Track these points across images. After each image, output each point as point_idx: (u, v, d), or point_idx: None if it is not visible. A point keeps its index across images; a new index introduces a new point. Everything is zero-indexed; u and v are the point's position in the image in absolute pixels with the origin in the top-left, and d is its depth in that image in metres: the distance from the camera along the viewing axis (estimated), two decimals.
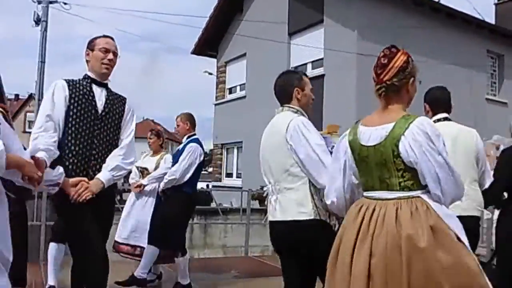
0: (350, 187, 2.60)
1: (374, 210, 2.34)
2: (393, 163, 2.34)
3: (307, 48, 14.34)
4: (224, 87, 19.90)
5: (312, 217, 2.88)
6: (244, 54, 18.06)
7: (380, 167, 2.38)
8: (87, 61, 3.39)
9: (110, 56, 3.34)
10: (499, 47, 17.14)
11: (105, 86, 3.40)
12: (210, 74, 23.71)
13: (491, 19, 19.45)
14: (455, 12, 15.17)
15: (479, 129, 13.36)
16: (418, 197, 2.32)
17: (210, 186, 19.89)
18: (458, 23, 15.33)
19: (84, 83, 3.33)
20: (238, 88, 19.04)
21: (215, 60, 20.54)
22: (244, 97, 18.04)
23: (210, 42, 19.67)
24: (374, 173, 2.40)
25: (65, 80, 3.28)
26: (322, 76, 13.83)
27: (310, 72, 14.68)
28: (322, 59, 14.11)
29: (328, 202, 2.69)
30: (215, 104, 20.20)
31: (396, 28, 13.39)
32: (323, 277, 2.62)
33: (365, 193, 2.48)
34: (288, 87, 3.17)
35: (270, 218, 3.11)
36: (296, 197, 2.93)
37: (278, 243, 3.13)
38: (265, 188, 3.20)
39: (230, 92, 19.72)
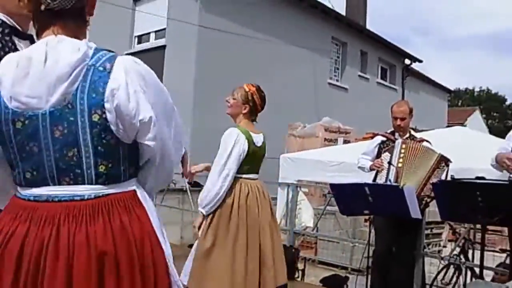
0: None
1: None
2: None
3: (152, 17, 13.36)
4: None
5: None
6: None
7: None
8: None
9: None
10: (344, 36, 17.67)
11: (30, 38, 2.01)
12: None
13: (343, 9, 19.96)
14: None
15: (321, 112, 13.39)
16: None
17: None
18: (306, 7, 15.37)
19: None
20: None
21: None
22: None
23: None
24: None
25: None
26: (164, 46, 12.98)
27: (153, 42, 13.78)
28: (165, 29, 13.22)
29: None
30: None
31: (242, 4, 12.95)
32: None
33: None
34: None
35: None
36: None
37: None
38: None
39: None
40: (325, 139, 10.06)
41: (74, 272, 1.46)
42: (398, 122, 4.59)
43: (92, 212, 1.53)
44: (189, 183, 8.12)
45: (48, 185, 1.54)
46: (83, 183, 1.55)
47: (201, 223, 3.44)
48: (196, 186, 8.20)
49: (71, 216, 1.50)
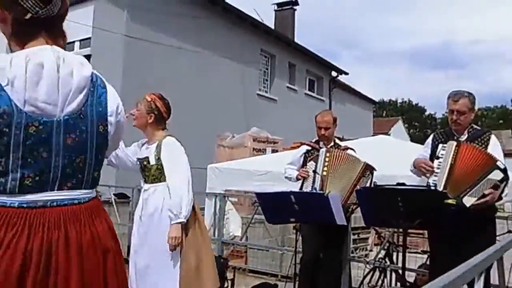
0: None
1: None
2: None
3: (77, 26, 12.92)
4: None
5: None
6: None
7: None
8: None
9: None
10: (273, 48, 17.88)
11: None
12: None
13: (272, 23, 20.30)
14: (231, 7, 15.20)
15: (250, 122, 13.37)
16: None
17: None
18: (235, 19, 15.43)
19: None
20: None
21: None
22: None
23: None
24: None
25: None
26: (89, 56, 12.58)
27: (78, 51, 13.32)
28: (90, 38, 12.84)
29: None
30: None
31: (171, 15, 12.80)
32: None
33: None
34: None
35: None
36: None
37: None
38: None
39: None
40: (254, 149, 10.08)
41: (85, 268, 1.60)
42: (322, 131, 4.65)
43: (89, 214, 1.68)
44: (115, 194, 7.88)
45: (47, 190, 1.60)
46: (80, 188, 1.68)
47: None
48: (123, 198, 7.97)
49: (75, 218, 1.62)
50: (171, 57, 12.88)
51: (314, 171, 4.40)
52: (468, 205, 3.63)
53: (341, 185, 4.37)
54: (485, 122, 48.09)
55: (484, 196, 3.64)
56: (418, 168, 3.98)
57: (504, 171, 3.68)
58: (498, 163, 3.69)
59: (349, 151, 4.64)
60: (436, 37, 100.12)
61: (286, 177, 4.78)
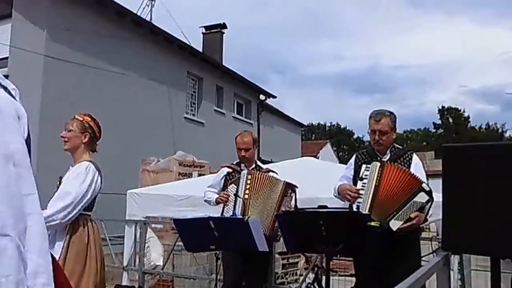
0: None
1: None
2: None
3: None
4: None
5: None
6: None
7: None
8: None
9: None
10: (200, 71, 17.74)
11: None
12: None
13: (200, 46, 20.19)
14: (158, 29, 15.00)
15: (177, 146, 13.01)
16: None
17: None
18: (161, 41, 15.18)
19: None
20: None
21: None
22: None
23: None
24: None
25: None
26: (6, 76, 11.82)
27: None
28: (7, 58, 12.14)
29: None
30: None
31: (94, 35, 12.36)
32: None
33: None
34: None
35: None
36: None
37: None
38: None
39: None
40: (180, 174, 9.91)
41: None
42: (243, 153, 4.52)
43: None
44: None
45: None
46: None
47: None
48: None
49: None
50: (95, 79, 12.43)
51: (236, 195, 4.25)
52: (394, 229, 3.58)
53: (265, 209, 4.24)
54: (410, 144, 50.02)
55: (410, 219, 3.61)
56: (343, 195, 3.90)
57: (429, 193, 3.66)
58: (423, 185, 3.67)
59: (270, 174, 4.52)
60: (362, 62, 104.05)
61: (205, 201, 4.62)
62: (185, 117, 16.75)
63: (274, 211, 4.22)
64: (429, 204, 3.68)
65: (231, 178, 4.49)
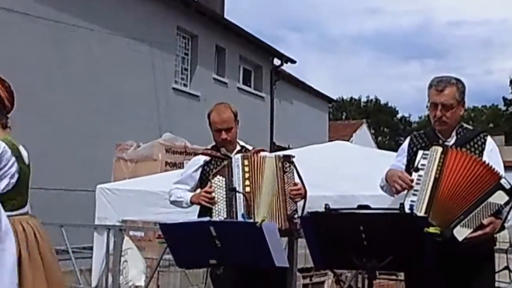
0: None
1: None
2: None
3: None
4: None
5: None
6: None
7: None
8: None
9: None
10: (194, 26, 17.84)
11: None
12: None
13: None
14: None
15: (163, 127, 13.13)
16: None
17: None
18: None
19: None
20: None
21: None
22: None
23: None
24: None
25: None
26: None
27: None
28: None
29: None
30: None
31: None
32: None
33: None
34: None
35: None
36: None
37: None
38: None
39: None
40: (167, 163, 9.93)
41: None
42: (223, 135, 4.46)
43: None
44: None
45: None
46: None
47: None
48: None
49: None
50: (53, 35, 12.48)
51: (233, 189, 4.22)
52: (460, 238, 3.54)
53: (271, 199, 4.27)
54: (472, 126, 50.01)
55: (482, 226, 3.56)
56: (391, 184, 3.87)
57: (510, 192, 3.60)
58: (502, 181, 3.61)
59: (262, 154, 4.56)
60: (409, 18, 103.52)
61: (173, 202, 4.64)
62: (174, 88, 16.81)
63: (280, 197, 4.25)
64: (508, 206, 3.63)
65: (211, 169, 4.45)
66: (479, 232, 3.55)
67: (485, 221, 3.55)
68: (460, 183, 3.64)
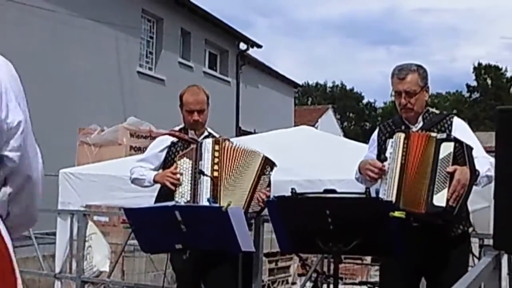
0: None
1: None
2: None
3: None
4: None
5: None
6: None
7: None
8: None
9: None
10: (159, 9, 17.78)
11: None
12: None
13: None
14: None
15: (127, 111, 13.02)
16: None
17: None
18: None
19: None
20: None
21: None
22: None
23: None
24: None
25: None
26: None
27: None
28: None
29: None
30: None
31: None
32: None
33: None
34: None
35: None
36: None
37: None
38: None
39: None
40: (131, 148, 9.82)
41: None
42: (195, 116, 4.44)
43: None
44: None
45: None
46: None
47: None
48: None
49: None
50: (19, 18, 12.33)
51: (200, 172, 4.20)
52: (444, 204, 3.52)
53: (240, 192, 4.29)
54: None
55: (451, 179, 3.52)
56: (364, 173, 3.89)
57: (450, 138, 3.64)
58: (435, 135, 3.67)
59: (239, 144, 4.56)
60: (377, 4, 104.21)
61: (134, 180, 4.62)
62: (138, 72, 16.78)
63: (249, 194, 4.27)
64: (462, 150, 3.59)
65: (177, 151, 4.44)
66: (454, 183, 3.51)
67: (449, 169, 3.54)
68: (421, 160, 3.68)
